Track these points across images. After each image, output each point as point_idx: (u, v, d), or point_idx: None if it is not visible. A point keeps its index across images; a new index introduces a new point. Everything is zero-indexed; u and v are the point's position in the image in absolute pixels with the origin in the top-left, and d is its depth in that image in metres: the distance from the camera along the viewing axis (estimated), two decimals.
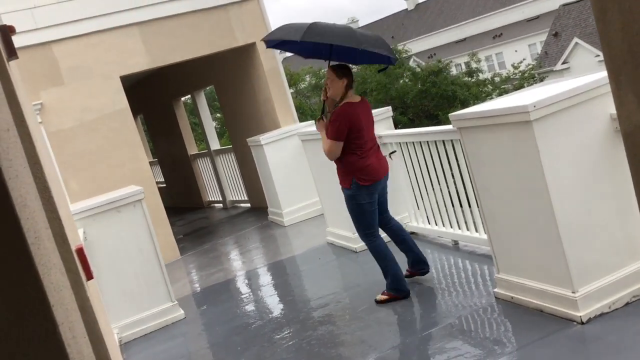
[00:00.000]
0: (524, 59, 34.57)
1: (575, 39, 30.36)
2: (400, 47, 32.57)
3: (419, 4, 58.95)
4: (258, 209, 9.85)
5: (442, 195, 5.41)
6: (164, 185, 13.77)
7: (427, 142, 5.25)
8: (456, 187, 5.18)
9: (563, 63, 30.82)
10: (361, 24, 59.81)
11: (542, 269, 3.61)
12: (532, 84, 31.19)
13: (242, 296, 5.98)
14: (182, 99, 12.74)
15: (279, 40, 4.75)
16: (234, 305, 5.64)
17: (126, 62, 7.73)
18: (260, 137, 7.98)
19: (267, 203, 8.65)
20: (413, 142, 5.48)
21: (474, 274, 4.85)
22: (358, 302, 4.70)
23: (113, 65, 7.63)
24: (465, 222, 5.14)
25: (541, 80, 31.30)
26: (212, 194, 12.11)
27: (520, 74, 31.78)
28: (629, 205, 3.49)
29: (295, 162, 7.87)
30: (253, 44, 8.43)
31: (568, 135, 3.41)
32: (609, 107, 3.46)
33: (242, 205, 10.91)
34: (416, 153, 5.51)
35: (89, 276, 2.65)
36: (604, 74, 3.70)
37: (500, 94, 30.51)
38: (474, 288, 4.56)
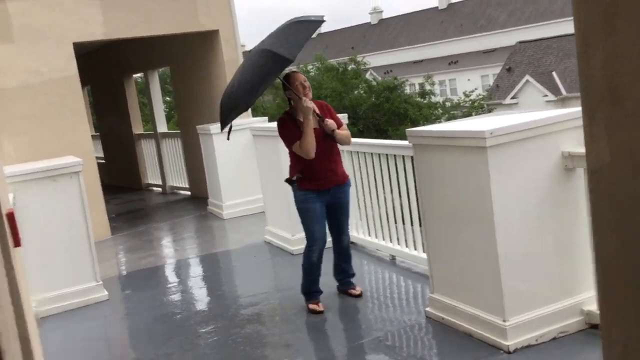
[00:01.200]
0: (475, 89, 35.44)
1: (527, 77, 31.33)
2: (359, 58, 32.80)
3: (382, 19, 59.65)
4: (198, 198, 9.67)
5: (386, 209, 5.42)
6: (103, 161, 13.35)
7: (379, 154, 5.26)
8: (401, 203, 5.21)
9: (512, 98, 31.74)
10: (322, 30, 60.02)
11: (476, 294, 3.65)
12: (479, 114, 32.05)
13: (170, 285, 5.83)
14: (135, 76, 12.40)
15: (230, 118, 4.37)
16: (161, 292, 5.48)
17: (82, 30, 7.45)
18: (211, 127, 7.83)
19: (208, 193, 8.50)
20: (365, 153, 5.48)
21: (407, 291, 4.88)
22: (289, 305, 4.64)
23: (68, 31, 7.33)
24: (405, 239, 5.17)
25: (489, 111, 32.15)
26: (152, 177, 11.81)
27: (470, 102, 32.54)
28: (569, 242, 3.58)
29: (243, 156, 7.76)
30: (216, 32, 8.29)
31: (519, 166, 3.47)
32: (562, 144, 3.54)
33: (182, 192, 10.68)
34: (366, 164, 5.52)
35: (17, 243, 2.49)
36: (559, 111, 3.80)
37: (448, 119, 31.15)
38: (405, 305, 4.58)
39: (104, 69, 12.00)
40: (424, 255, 5.00)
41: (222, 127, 4.36)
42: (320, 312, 4.36)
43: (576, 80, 30.81)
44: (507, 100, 31.83)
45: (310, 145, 4.19)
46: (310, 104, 4.22)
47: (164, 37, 8.22)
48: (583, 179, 3.53)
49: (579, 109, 3.73)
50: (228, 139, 4.48)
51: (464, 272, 3.72)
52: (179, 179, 10.78)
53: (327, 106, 4.50)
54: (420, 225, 4.83)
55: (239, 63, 8.51)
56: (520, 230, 3.48)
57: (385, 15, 60.21)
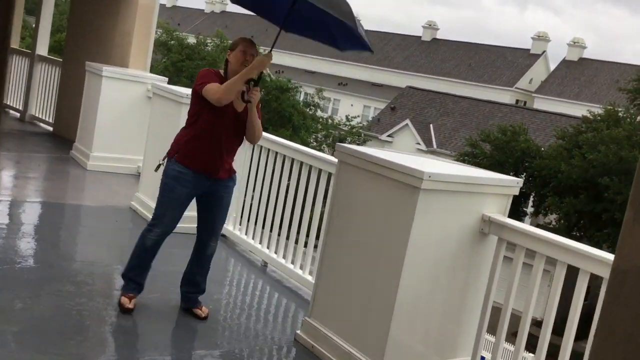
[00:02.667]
0: (358, 116, 36.31)
1: (407, 121, 32.65)
2: (262, 50, 32.30)
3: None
4: (61, 138, 8.73)
5: (277, 215, 5.13)
6: None
7: (293, 159, 4.97)
8: (292, 212, 4.95)
9: (388, 136, 32.89)
10: (227, 9, 58.67)
11: (358, 332, 3.46)
12: (354, 141, 32.79)
13: (9, 227, 5.02)
14: None
15: None
16: None
17: None
18: (104, 67, 7.09)
19: (76, 136, 7.67)
20: (276, 152, 5.16)
21: (277, 306, 4.60)
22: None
23: None
24: (294, 254, 4.89)
25: (364, 141, 33.05)
26: (12, 99, 10.54)
27: (350, 127, 33.25)
28: (461, 304, 3.51)
29: (130, 110, 7.10)
30: None
31: (443, 217, 3.34)
32: (484, 207, 3.48)
33: (43, 125, 9.62)
34: (274, 162, 5.20)
35: None
36: (488, 173, 3.76)
37: (326, 136, 31.59)
38: (272, 320, 4.28)
39: None
40: (300, 272, 4.81)
41: None
42: (127, 311, 3.66)
43: (448, 137, 32.78)
44: (383, 137, 32.91)
45: (233, 88, 3.49)
46: (268, 61, 3.61)
47: None
48: (494, 246, 3.49)
49: (507, 177, 3.72)
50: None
51: (352, 307, 3.52)
52: (43, 111, 9.71)
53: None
54: (297, 242, 4.59)
55: (154, 10, 7.87)
56: (424, 281, 3.34)
57: None
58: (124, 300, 3.72)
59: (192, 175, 3.65)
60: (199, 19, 59.97)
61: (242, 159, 5.52)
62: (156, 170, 3.80)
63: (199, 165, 3.65)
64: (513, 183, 3.57)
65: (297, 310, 4.49)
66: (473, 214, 3.45)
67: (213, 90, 3.51)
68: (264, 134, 5.40)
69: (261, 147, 5.33)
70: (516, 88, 44.11)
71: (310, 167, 4.83)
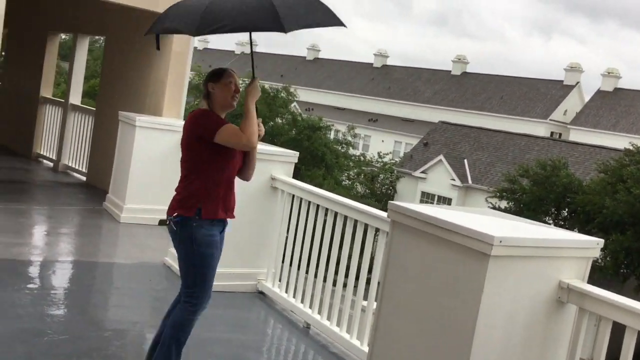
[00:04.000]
0: (390, 152, 35.99)
1: (441, 156, 32.14)
2: (292, 89, 32.43)
3: (318, 58, 60.06)
4: (94, 188, 8.58)
5: (319, 272, 4.77)
6: None
7: (336, 212, 4.64)
8: (337, 268, 4.59)
9: (422, 172, 32.40)
10: (256, 49, 59.38)
11: None
12: (387, 177, 32.42)
13: (37, 291, 4.76)
14: (63, 36, 11.14)
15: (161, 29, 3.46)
16: (25, 298, 4.47)
17: None
18: (137, 117, 6.91)
19: (109, 187, 7.48)
20: (318, 205, 4.84)
21: None
22: None
23: None
24: (340, 315, 4.52)
25: (397, 178, 32.64)
26: (45, 148, 10.50)
27: (382, 163, 32.90)
28: None
29: (163, 159, 6.87)
30: None
31: (516, 286, 2.95)
32: (561, 273, 3.08)
33: (76, 175, 9.50)
34: (317, 215, 4.88)
35: None
36: (564, 234, 3.36)
37: (358, 174, 31.29)
38: None
39: (31, 17, 10.67)
40: (346, 336, 4.43)
41: (149, 31, 3.36)
42: None
43: (483, 172, 32.14)
44: (417, 173, 32.43)
45: (253, 130, 3.22)
46: (258, 87, 3.35)
47: (109, 2, 7.23)
48: (573, 317, 3.08)
49: (587, 237, 3.32)
50: (158, 48, 3.56)
51: None
52: (77, 160, 9.61)
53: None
54: (373, 312, 4.21)
55: (188, 58, 7.72)
56: (497, 356, 2.94)
57: (321, 55, 60.69)
58: None
59: (217, 228, 3.33)
60: (229, 60, 60.86)
61: (280, 210, 5.22)
62: (160, 224, 3.44)
63: (224, 213, 3.34)
64: (593, 244, 3.17)
65: None
66: (549, 281, 3.04)
67: (237, 136, 3.22)
68: (303, 184, 5.13)
69: (301, 199, 5.03)
70: (551, 120, 43.41)
71: (356, 221, 4.49)
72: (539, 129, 41.13)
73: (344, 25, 3.38)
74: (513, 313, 2.98)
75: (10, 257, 5.25)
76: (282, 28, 3.09)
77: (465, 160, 32.61)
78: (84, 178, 9.17)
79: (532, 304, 3.03)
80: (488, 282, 2.81)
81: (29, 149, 10.52)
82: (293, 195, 5.15)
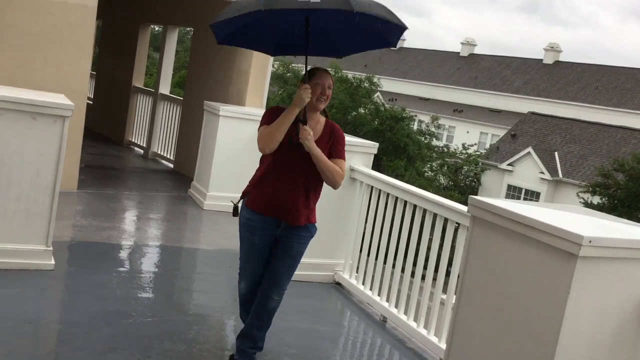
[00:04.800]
0: (475, 144, 35.11)
1: (530, 149, 30.99)
2: (375, 79, 32.22)
3: (402, 47, 59.32)
4: (180, 174, 8.86)
5: (397, 265, 4.71)
6: (90, 102, 12.42)
7: (415, 205, 4.56)
8: (420, 266, 4.51)
9: (509, 164, 31.40)
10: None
11: None
12: (471, 169, 31.63)
13: (124, 274, 4.95)
14: (154, 28, 11.53)
15: (230, 29, 3.54)
16: (112, 281, 4.65)
17: None
18: (221, 107, 7.05)
19: (194, 174, 7.69)
20: (396, 197, 4.78)
21: None
22: None
23: None
24: (418, 312, 4.44)
25: (482, 171, 31.79)
26: (136, 136, 10.94)
27: (466, 155, 32.15)
28: None
29: (246, 148, 6.98)
30: None
31: (604, 289, 2.77)
32: None
33: (164, 162, 9.85)
34: (395, 207, 4.82)
35: None
36: None
37: (441, 166, 30.73)
38: None
39: (124, 9, 11.11)
40: (424, 332, 4.34)
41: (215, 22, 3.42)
42: None
43: (575, 166, 30.77)
44: (503, 165, 31.46)
45: (276, 133, 3.23)
46: (307, 94, 3.27)
47: None
48: None
49: None
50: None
51: None
52: (165, 148, 9.95)
53: (336, 132, 3.48)
54: (451, 307, 4.11)
55: None
56: None
57: (406, 44, 59.91)
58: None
59: (260, 221, 3.37)
60: None
61: (359, 201, 5.19)
62: (234, 214, 3.52)
63: (264, 207, 3.35)
64: None
65: None
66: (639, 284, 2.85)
67: (259, 140, 3.32)
68: (382, 176, 5.06)
69: (380, 190, 4.97)
70: None
71: (435, 215, 4.39)
72: (636, 120, 38.86)
73: (406, 27, 3.46)
74: (601, 318, 2.81)
75: (101, 240, 5.50)
76: (350, 6, 3.04)
77: (556, 153, 31.30)
78: (172, 165, 9.48)
79: (622, 309, 2.85)
80: (575, 285, 2.66)
81: (121, 136, 11.00)
82: (372, 187, 5.11)
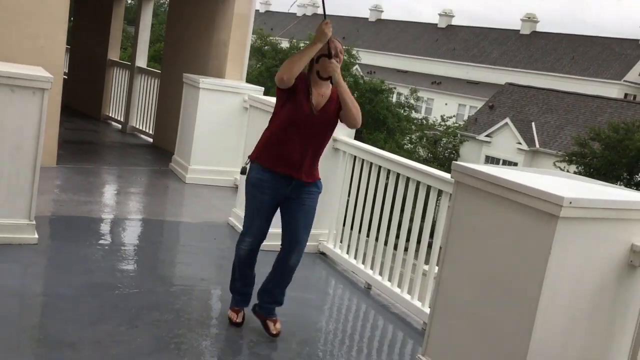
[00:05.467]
0: (453, 115, 35.28)
1: (507, 119, 31.26)
2: (354, 51, 32.04)
3: (380, 19, 59.02)
4: (160, 149, 8.80)
5: (381, 233, 4.77)
6: (65, 77, 12.20)
7: (398, 174, 4.61)
8: (404, 234, 4.56)
9: (487, 136, 31.66)
10: (318, 11, 58.86)
11: None
12: (450, 141, 31.83)
13: (107, 247, 4.95)
14: (128, 1, 11.32)
15: None
16: (95, 254, 4.65)
17: None
18: (201, 79, 7.00)
19: (175, 148, 7.65)
20: (380, 166, 4.82)
21: (382, 336, 4.22)
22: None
23: None
24: (401, 276, 4.52)
25: (461, 142, 32.01)
26: (113, 110, 10.81)
27: (445, 127, 32.32)
28: (612, 351, 3.01)
29: (227, 121, 6.98)
30: None
31: (584, 249, 2.85)
32: (633, 236, 2.96)
33: (143, 136, 9.77)
34: (378, 177, 4.86)
35: None
36: (637, 195, 3.22)
37: (420, 137, 30.88)
38: (378, 355, 3.92)
39: None
40: (407, 297, 4.42)
41: None
42: (236, 325, 3.68)
43: (552, 136, 31.11)
44: (481, 137, 31.72)
45: (298, 63, 3.32)
46: (329, 29, 3.38)
47: None
48: None
49: None
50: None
51: (475, 349, 3.09)
52: (143, 122, 9.87)
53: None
54: (429, 273, 4.19)
55: (250, 19, 7.71)
56: (561, 323, 2.87)
57: (384, 17, 59.60)
58: (232, 314, 3.72)
59: (271, 179, 3.48)
60: (291, 23, 60.62)
61: (342, 172, 5.22)
62: (242, 172, 3.63)
63: (277, 166, 3.46)
64: None
65: (405, 340, 4.13)
66: (620, 244, 2.94)
67: (280, 71, 3.36)
68: (365, 145, 5.09)
69: (363, 160, 5.00)
70: (625, 81, 41.39)
71: (418, 182, 4.44)
72: (612, 90, 39.31)
73: None
74: (581, 277, 2.90)
75: (82, 215, 5.47)
76: None
77: (533, 124, 31.61)
78: (151, 140, 9.41)
79: (602, 268, 2.94)
80: (556, 245, 2.74)
81: (98, 111, 10.86)
82: (355, 157, 5.14)
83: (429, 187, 4.34)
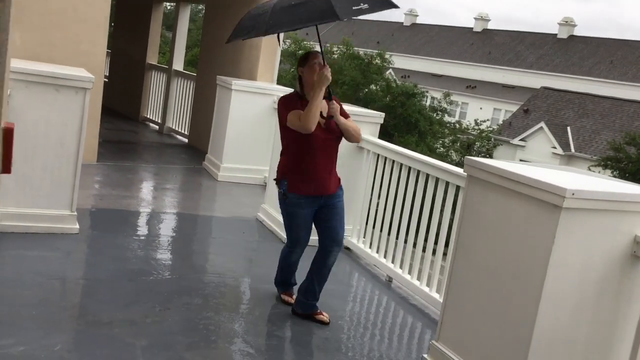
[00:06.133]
0: (487, 119, 35.07)
1: (542, 124, 30.96)
2: (387, 55, 32.18)
3: (415, 24, 58.96)
4: (194, 148, 9.13)
5: (402, 229, 4.95)
6: (106, 80, 12.69)
7: (419, 171, 4.80)
8: (417, 226, 4.74)
9: (521, 140, 31.41)
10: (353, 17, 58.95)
11: None
12: (484, 145, 31.67)
13: (143, 238, 5.28)
14: (166, 5, 11.74)
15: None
16: (132, 243, 4.95)
17: None
18: (233, 81, 7.28)
19: (208, 148, 7.96)
20: (401, 164, 5.02)
21: (402, 326, 4.41)
22: (268, 299, 4.17)
23: None
24: (420, 270, 4.70)
25: (494, 146, 31.82)
26: (151, 112, 11.21)
27: (479, 131, 32.17)
28: (616, 339, 3.14)
29: (257, 121, 7.25)
30: None
31: (588, 239, 3.00)
32: (635, 227, 3.09)
33: (179, 137, 10.13)
34: (399, 173, 5.05)
35: (6, 168, 1.99)
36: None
37: (453, 141, 30.82)
38: (397, 342, 4.11)
39: None
40: (426, 289, 4.59)
41: (230, 39, 3.92)
42: (290, 304, 4.11)
43: (587, 140, 30.71)
44: (515, 141, 31.48)
45: (313, 116, 3.63)
46: (329, 73, 3.71)
47: None
48: None
49: None
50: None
51: (484, 335, 3.26)
52: (179, 123, 10.22)
53: (332, 100, 3.85)
54: (445, 263, 4.36)
55: None
56: (565, 311, 3.02)
57: (419, 21, 59.53)
58: (286, 297, 4.16)
59: (308, 200, 3.84)
60: (326, 28, 60.96)
61: (366, 170, 5.41)
62: (283, 198, 3.90)
63: (309, 191, 3.82)
64: None
65: (423, 330, 4.29)
66: (624, 235, 3.07)
67: (297, 123, 3.67)
68: (388, 144, 5.29)
69: (385, 158, 5.20)
70: None
71: (437, 179, 4.62)
72: None
73: (397, 7, 3.78)
74: (585, 267, 3.04)
75: (121, 208, 5.79)
76: (336, 18, 3.42)
77: (569, 128, 31.24)
78: (186, 140, 9.76)
79: (606, 259, 3.07)
80: (559, 235, 2.89)
81: (136, 112, 11.28)
82: (378, 155, 5.33)
83: (447, 184, 4.51)
